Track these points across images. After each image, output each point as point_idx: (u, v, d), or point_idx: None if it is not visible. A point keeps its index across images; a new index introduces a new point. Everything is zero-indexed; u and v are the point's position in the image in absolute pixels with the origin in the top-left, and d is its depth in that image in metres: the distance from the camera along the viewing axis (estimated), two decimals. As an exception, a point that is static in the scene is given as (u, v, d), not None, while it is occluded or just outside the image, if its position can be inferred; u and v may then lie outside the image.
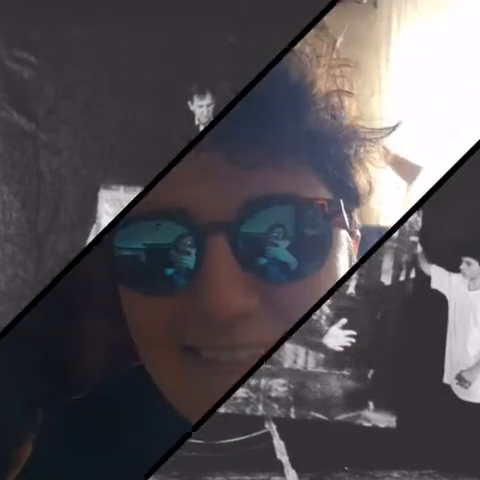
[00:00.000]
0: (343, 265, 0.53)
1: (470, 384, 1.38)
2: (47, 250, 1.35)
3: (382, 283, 1.36)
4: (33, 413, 0.61)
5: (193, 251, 0.48)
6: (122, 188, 1.31)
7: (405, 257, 1.36)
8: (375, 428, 1.42)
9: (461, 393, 1.39)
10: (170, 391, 0.52)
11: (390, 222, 0.73)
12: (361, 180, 0.54)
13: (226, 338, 0.48)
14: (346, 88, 0.52)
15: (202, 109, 1.27)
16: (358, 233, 0.57)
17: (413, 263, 1.40)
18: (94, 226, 1.31)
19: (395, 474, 1.36)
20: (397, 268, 1.37)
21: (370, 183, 0.55)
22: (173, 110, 1.26)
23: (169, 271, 0.49)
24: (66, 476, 0.58)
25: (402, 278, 1.39)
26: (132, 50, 1.30)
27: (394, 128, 0.54)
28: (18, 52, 1.33)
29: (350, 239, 0.55)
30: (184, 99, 1.27)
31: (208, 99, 1.28)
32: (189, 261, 0.48)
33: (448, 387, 1.40)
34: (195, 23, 1.25)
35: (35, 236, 1.36)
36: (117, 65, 1.32)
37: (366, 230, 0.58)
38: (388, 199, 0.94)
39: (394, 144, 0.55)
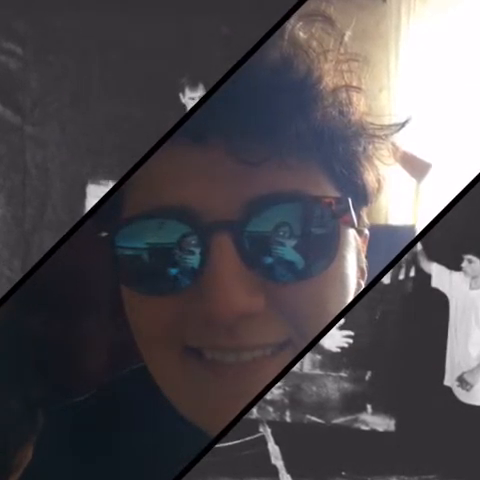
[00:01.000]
0: (351, 264, 0.52)
1: (472, 386, 1.37)
2: (34, 247, 1.33)
3: (381, 282, 1.35)
4: (34, 415, 0.61)
5: (197, 250, 0.47)
6: (111, 183, 1.30)
7: (405, 255, 1.35)
8: (373, 432, 1.42)
9: (462, 395, 1.39)
10: (172, 392, 0.51)
11: (399, 221, 0.73)
12: (370, 178, 0.53)
13: (230, 339, 0.47)
14: (354, 83, 0.51)
15: (194, 101, 1.25)
16: (366, 232, 0.57)
17: (413, 261, 1.39)
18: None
19: (394, 479, 1.36)
20: (396, 266, 1.36)
21: (379, 181, 0.54)
22: (164, 102, 1.24)
23: (173, 271, 0.48)
24: (67, 479, 0.58)
25: (402, 277, 1.38)
26: (121, 41, 1.29)
27: (403, 124, 0.53)
28: (4, 43, 1.31)
29: (358, 238, 0.54)
30: (175, 91, 1.25)
31: (200, 91, 1.26)
32: (193, 260, 0.47)
33: (449, 389, 1.40)
34: (187, 13, 1.23)
35: (22, 233, 1.34)
36: (106, 56, 1.30)
37: (375, 229, 0.57)
38: (397, 197, 0.93)
39: (403, 141, 0.54)
